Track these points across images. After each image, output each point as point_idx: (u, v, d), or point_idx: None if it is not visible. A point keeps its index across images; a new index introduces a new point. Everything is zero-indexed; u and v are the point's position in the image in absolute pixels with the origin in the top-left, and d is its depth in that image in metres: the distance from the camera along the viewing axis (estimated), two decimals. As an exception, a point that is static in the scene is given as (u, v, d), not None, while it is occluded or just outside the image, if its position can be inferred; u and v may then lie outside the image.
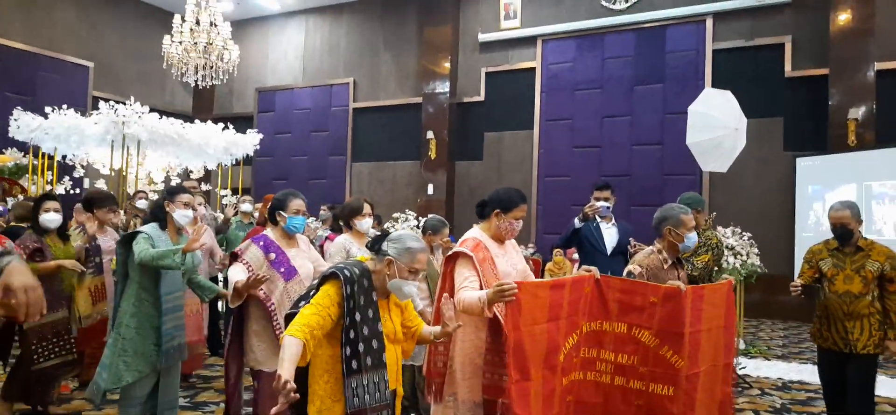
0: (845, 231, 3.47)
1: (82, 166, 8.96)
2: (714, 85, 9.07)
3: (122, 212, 6.15)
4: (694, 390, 2.71)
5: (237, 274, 2.99)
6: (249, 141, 9.47)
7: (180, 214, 3.35)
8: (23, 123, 8.23)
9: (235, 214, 6.03)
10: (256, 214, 5.95)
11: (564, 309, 2.57)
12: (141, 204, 6.02)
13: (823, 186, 8.08)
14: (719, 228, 6.25)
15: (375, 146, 11.68)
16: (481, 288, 2.48)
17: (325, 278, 2.12)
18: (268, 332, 3.09)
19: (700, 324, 2.76)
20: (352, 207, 3.88)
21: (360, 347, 2.07)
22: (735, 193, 8.80)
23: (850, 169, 7.84)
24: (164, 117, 8.31)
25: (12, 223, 5.28)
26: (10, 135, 8.41)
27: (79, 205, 4.85)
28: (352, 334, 2.07)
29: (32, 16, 10.53)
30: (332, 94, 12.22)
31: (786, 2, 8.82)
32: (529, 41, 10.48)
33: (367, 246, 2.27)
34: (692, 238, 3.02)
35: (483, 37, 10.75)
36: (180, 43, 8.92)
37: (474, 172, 10.80)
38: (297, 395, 1.80)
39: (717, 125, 5.25)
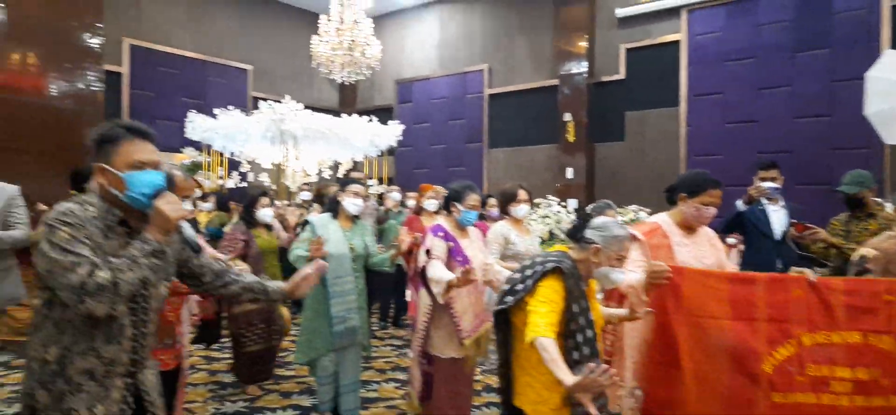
0: None
1: (247, 162, 9.82)
2: (893, 46, 8.05)
3: (285, 203, 6.70)
4: None
5: (438, 271, 3.10)
6: (392, 132, 9.87)
7: (349, 202, 3.60)
8: (196, 124, 9.18)
9: (400, 204, 6.34)
10: (412, 203, 6.22)
11: (761, 310, 2.36)
12: (305, 196, 6.51)
13: None
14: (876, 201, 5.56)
15: (511, 132, 11.68)
16: None
17: (545, 273, 2.10)
18: (444, 320, 3.21)
19: None
20: (508, 193, 3.89)
21: (579, 337, 2.07)
22: (921, 167, 7.77)
23: None
24: (314, 113, 8.90)
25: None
26: (186, 135, 9.40)
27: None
28: (572, 326, 2.07)
29: (201, 26, 11.68)
30: (466, 82, 12.37)
31: None
32: (672, 13, 9.91)
33: (567, 234, 2.26)
34: None
35: (621, 12, 10.33)
36: (327, 42, 9.46)
37: (615, 153, 10.45)
38: (614, 374, 1.75)
39: (902, 91, 4.67)
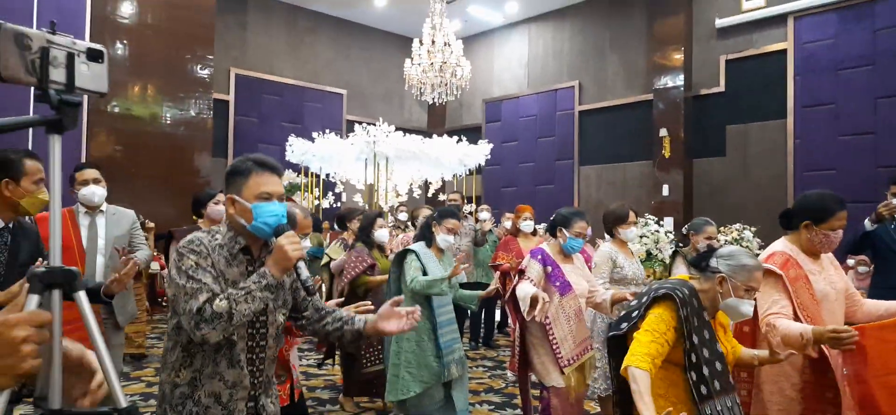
0: None
1: (342, 183, 10.15)
2: None
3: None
4: None
5: (525, 287, 3.09)
6: (481, 151, 9.90)
7: (443, 239, 3.60)
8: (296, 148, 9.59)
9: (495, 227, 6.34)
10: (509, 224, 6.18)
11: None
12: (402, 216, 6.62)
13: None
14: None
15: (603, 148, 11.42)
16: (795, 312, 2.23)
17: (655, 300, 2.04)
18: (545, 346, 3.16)
19: None
20: (617, 214, 3.81)
21: (705, 371, 1.96)
22: None
23: None
24: (405, 135, 9.08)
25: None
26: (287, 158, 9.84)
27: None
28: (693, 358, 1.97)
29: (299, 54, 12.26)
30: (556, 99, 12.24)
31: None
32: (778, 20, 9.38)
33: (691, 263, 2.17)
34: None
35: (721, 22, 9.89)
36: (419, 64, 9.65)
37: (716, 168, 9.97)
38: None
39: None
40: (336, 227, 5.94)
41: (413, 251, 3.55)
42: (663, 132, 10.06)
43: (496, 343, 6.96)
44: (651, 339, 1.92)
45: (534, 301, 2.97)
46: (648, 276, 3.84)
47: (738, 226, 6.93)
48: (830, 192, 2.45)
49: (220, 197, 3.89)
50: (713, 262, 2.06)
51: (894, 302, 2.48)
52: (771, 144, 9.38)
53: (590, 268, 4.19)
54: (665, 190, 10.00)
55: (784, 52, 9.27)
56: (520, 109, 12.90)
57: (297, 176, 10.37)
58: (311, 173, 10.15)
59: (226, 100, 11.09)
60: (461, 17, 12.50)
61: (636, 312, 2.08)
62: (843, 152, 8.69)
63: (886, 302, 2.54)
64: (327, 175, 10.12)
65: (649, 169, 10.47)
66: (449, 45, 9.71)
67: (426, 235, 3.67)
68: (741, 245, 6.46)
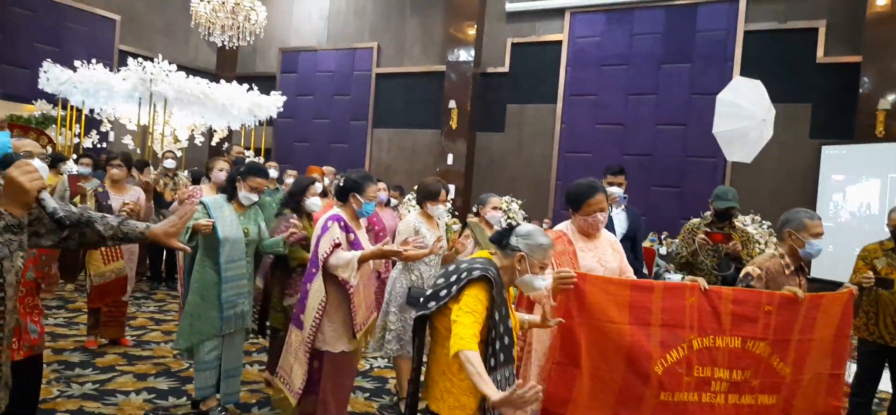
0: None
1: (109, 121, 9.08)
2: (743, 67, 8.95)
3: (151, 171, 6.27)
4: (793, 396, 2.67)
5: (345, 255, 2.96)
6: (273, 103, 9.55)
7: (244, 196, 3.51)
8: (52, 76, 8.35)
9: (277, 182, 6.05)
10: (320, 186, 5.97)
11: (656, 315, 2.53)
12: (169, 164, 6.12)
13: (847, 177, 8.01)
14: (739, 216, 6.23)
15: (397, 113, 11.69)
16: None
17: (471, 280, 2.06)
18: (341, 314, 3.06)
19: (811, 333, 2.68)
20: (429, 190, 3.84)
21: (497, 344, 2.06)
22: (758, 179, 8.73)
23: (876, 160, 7.75)
24: (189, 76, 8.39)
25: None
26: (40, 86, 8.53)
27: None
28: (493, 334, 2.06)
29: (61, -33, 10.56)
30: (355, 58, 12.19)
31: (823, -16, 8.62)
32: (557, 13, 10.35)
33: (492, 240, 2.24)
34: (815, 245, 2.86)
35: (510, 7, 10.63)
36: (209, 1, 8.93)
37: (495, 143, 10.79)
38: (539, 391, 1.75)
39: (744, 115, 5.20)
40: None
41: (202, 202, 3.38)
42: (452, 104, 10.59)
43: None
44: (473, 319, 1.98)
45: (364, 259, 2.92)
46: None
47: (507, 198, 7.58)
48: (589, 180, 2.74)
49: None
50: (513, 240, 2.18)
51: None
52: (542, 126, 10.40)
53: (381, 236, 4.25)
54: (450, 159, 10.59)
55: (560, 43, 10.28)
56: (318, 63, 12.61)
57: (53, 108, 9.04)
58: (72, 107, 8.90)
59: (-42, 6, 9.22)
60: (260, -43, 11.76)
61: (446, 291, 2.10)
62: (600, 140, 9.96)
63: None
64: (91, 111, 8.96)
65: (438, 138, 10.98)
66: (244, -15, 9.12)
67: (230, 190, 3.54)
68: (509, 216, 7.09)
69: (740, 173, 8.83)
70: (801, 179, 8.59)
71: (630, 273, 2.84)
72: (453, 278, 2.12)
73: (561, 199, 10.16)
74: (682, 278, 3.81)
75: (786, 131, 8.36)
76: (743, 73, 8.87)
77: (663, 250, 7.80)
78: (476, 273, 2.08)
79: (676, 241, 6.18)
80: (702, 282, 2.62)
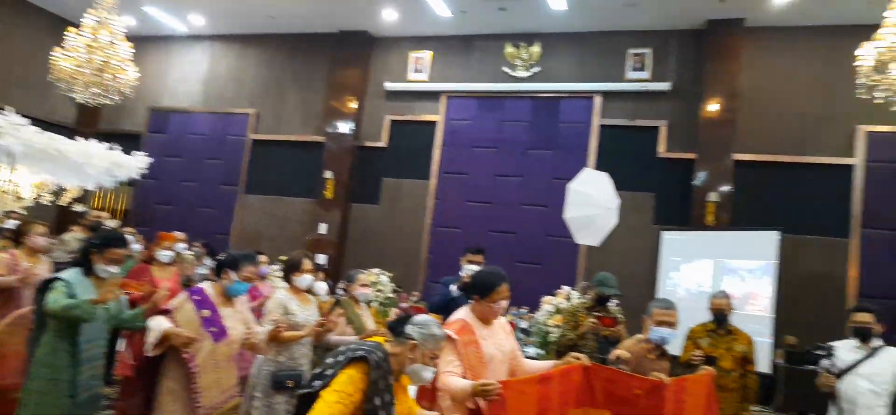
0: (722, 315, 4.04)
1: (-59, 173, 8.22)
2: (597, 157, 9.84)
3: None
4: None
5: (162, 323, 2.86)
6: (136, 164, 9.11)
7: (101, 269, 3.17)
8: None
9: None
10: (139, 247, 5.71)
11: (554, 402, 2.62)
12: (10, 225, 5.65)
13: (683, 259, 8.92)
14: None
15: (272, 180, 11.53)
16: (464, 372, 2.51)
17: (350, 360, 2.05)
18: (184, 394, 2.94)
19: None
20: (292, 262, 3.71)
21: None
22: (608, 258, 9.44)
23: (707, 245, 8.72)
24: (43, 131, 7.83)
25: None
26: None
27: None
28: None
29: None
30: (230, 123, 11.96)
31: (665, 90, 9.74)
32: (434, 95, 10.87)
33: (387, 327, 2.25)
34: (655, 331, 3.06)
35: (390, 86, 11.03)
36: (73, 57, 8.26)
37: (369, 214, 10.93)
38: None
39: (592, 203, 5.75)
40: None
41: (62, 279, 3.05)
42: (328, 174, 10.67)
43: (115, 379, 6.36)
44: (337, 399, 1.97)
45: (165, 339, 2.83)
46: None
47: (376, 271, 7.68)
48: (494, 269, 2.84)
49: None
50: (408, 328, 2.22)
51: (545, 362, 3.01)
52: (416, 200, 10.71)
53: (259, 311, 4.04)
54: (323, 228, 10.57)
55: (435, 123, 10.77)
56: (190, 125, 12.23)
57: None
58: None
59: None
60: (136, 15, 11.39)
61: (331, 370, 2.09)
62: (469, 216, 10.40)
63: (539, 362, 3.07)
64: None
65: (312, 207, 10.95)
66: (115, 45, 8.54)
67: (85, 264, 3.20)
68: (377, 288, 7.17)
69: (593, 253, 9.56)
70: (646, 260, 9.43)
71: (520, 351, 2.93)
72: (339, 358, 2.12)
73: (431, 272, 10.40)
74: (536, 356, 4.05)
75: (632, 217, 9.22)
76: (597, 162, 9.77)
77: (523, 324, 8.18)
78: (357, 354, 2.09)
79: (537, 315, 6.55)
80: (584, 358, 2.72)
